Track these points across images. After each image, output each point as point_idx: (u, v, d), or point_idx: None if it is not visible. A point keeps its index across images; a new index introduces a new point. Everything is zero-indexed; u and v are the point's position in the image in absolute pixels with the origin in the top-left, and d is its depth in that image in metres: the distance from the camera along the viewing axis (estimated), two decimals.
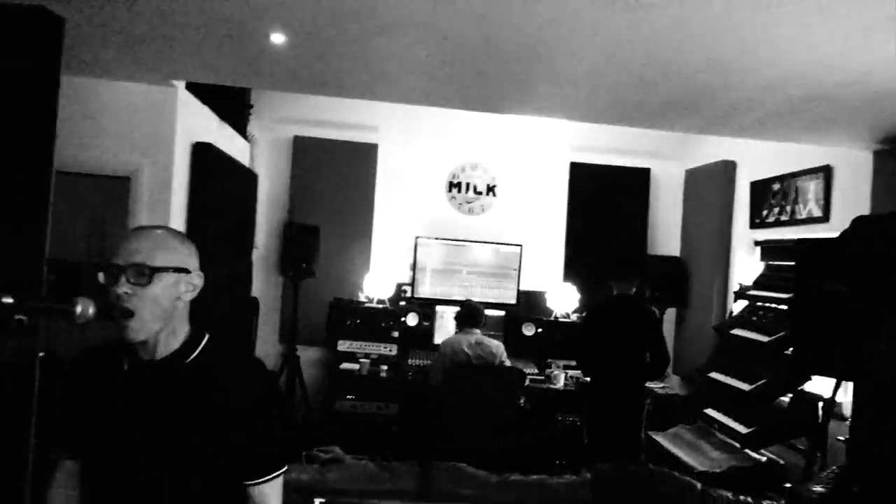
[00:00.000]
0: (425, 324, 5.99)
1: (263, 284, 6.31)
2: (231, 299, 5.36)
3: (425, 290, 6.19)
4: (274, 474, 1.60)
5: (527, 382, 5.08)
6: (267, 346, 6.23)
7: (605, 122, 4.44)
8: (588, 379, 5.02)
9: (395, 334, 5.82)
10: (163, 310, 1.49)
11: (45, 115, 2.80)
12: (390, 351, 5.77)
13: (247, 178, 5.95)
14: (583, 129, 6.19)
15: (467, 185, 6.59)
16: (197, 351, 1.57)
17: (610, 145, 6.57)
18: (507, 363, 4.91)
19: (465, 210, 6.58)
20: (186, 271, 1.55)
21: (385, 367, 5.55)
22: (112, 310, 1.43)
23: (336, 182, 6.34)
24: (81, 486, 1.60)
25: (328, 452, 4.03)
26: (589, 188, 6.61)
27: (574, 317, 6.12)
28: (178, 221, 4.53)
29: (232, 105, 5.68)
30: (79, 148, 4.23)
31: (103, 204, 5.27)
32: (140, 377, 1.54)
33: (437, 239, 6.26)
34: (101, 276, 1.46)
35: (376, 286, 5.99)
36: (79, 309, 1.34)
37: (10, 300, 1.22)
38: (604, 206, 6.62)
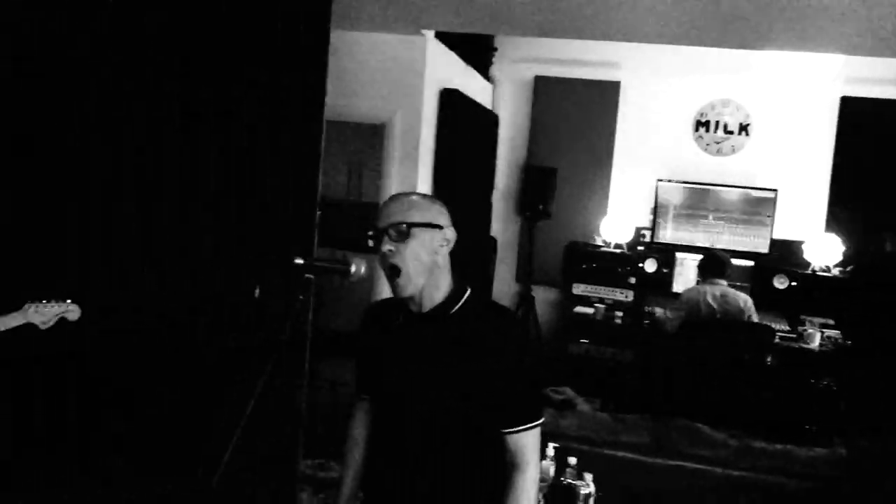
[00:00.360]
0: (664, 270, 5.79)
1: (502, 224, 6.50)
2: (471, 238, 5.62)
3: (666, 236, 5.96)
4: (531, 424, 1.67)
5: (775, 340, 4.75)
6: (503, 285, 6.46)
7: (888, 55, 3.85)
8: (849, 342, 4.55)
9: (632, 280, 5.71)
10: (423, 264, 1.63)
11: (317, 69, 3.10)
12: (626, 297, 5.69)
13: (489, 121, 6.10)
14: (857, 58, 5.41)
15: (717, 123, 6.14)
16: (460, 304, 1.69)
17: (892, 76, 5.67)
18: (756, 318, 4.61)
19: (713, 150, 6.16)
20: (439, 227, 1.66)
21: (620, 314, 5.50)
22: (383, 268, 1.60)
23: (575, 122, 6.25)
24: (372, 423, 1.84)
25: (560, 393, 4.14)
26: (863, 126, 5.80)
27: (836, 271, 5.53)
28: (425, 165, 4.81)
29: (476, 48, 5.81)
30: (340, 98, 4.62)
31: (360, 149, 5.76)
32: (411, 329, 1.70)
33: (680, 182, 5.95)
34: (370, 242, 1.63)
35: (613, 230, 5.89)
36: (353, 269, 1.55)
37: (300, 261, 1.42)
38: (882, 146, 5.76)
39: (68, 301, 2.27)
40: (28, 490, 3.14)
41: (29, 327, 2.20)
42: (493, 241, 6.40)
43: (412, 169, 4.72)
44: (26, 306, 2.19)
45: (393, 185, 4.79)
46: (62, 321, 2.25)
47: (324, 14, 3.08)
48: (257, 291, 1.45)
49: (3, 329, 2.14)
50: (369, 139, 5.00)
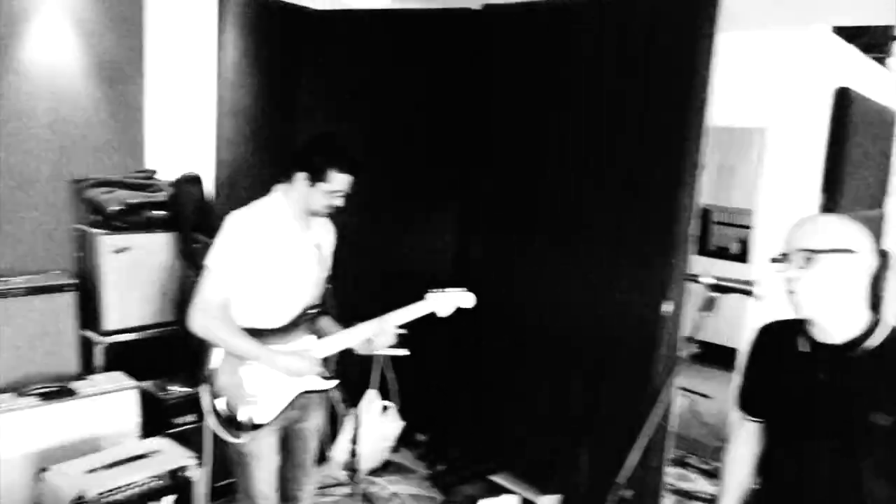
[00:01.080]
0: None
1: None
2: None
3: None
4: None
5: None
6: None
7: None
8: None
9: None
10: (828, 291, 1.52)
11: (700, 76, 3.02)
12: None
13: (888, 118, 5.34)
14: None
15: None
16: (877, 340, 1.55)
17: None
18: None
19: None
20: (850, 251, 1.54)
21: None
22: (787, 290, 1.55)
23: None
24: (763, 447, 1.75)
25: None
26: None
27: None
28: (809, 170, 4.41)
29: (875, 36, 5.15)
30: (715, 100, 4.46)
31: (732, 152, 5.50)
32: (818, 359, 1.60)
33: None
34: (774, 266, 1.57)
35: None
36: (757, 290, 1.53)
37: (709, 280, 1.45)
38: None
39: (464, 289, 2.45)
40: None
41: (430, 316, 2.41)
42: (886, 254, 5.60)
43: (793, 174, 4.36)
44: (428, 295, 2.42)
45: (769, 191, 4.50)
46: (458, 310, 2.43)
47: (710, 18, 2.99)
48: (665, 307, 1.52)
49: (413, 318, 2.39)
50: (742, 142, 4.75)
